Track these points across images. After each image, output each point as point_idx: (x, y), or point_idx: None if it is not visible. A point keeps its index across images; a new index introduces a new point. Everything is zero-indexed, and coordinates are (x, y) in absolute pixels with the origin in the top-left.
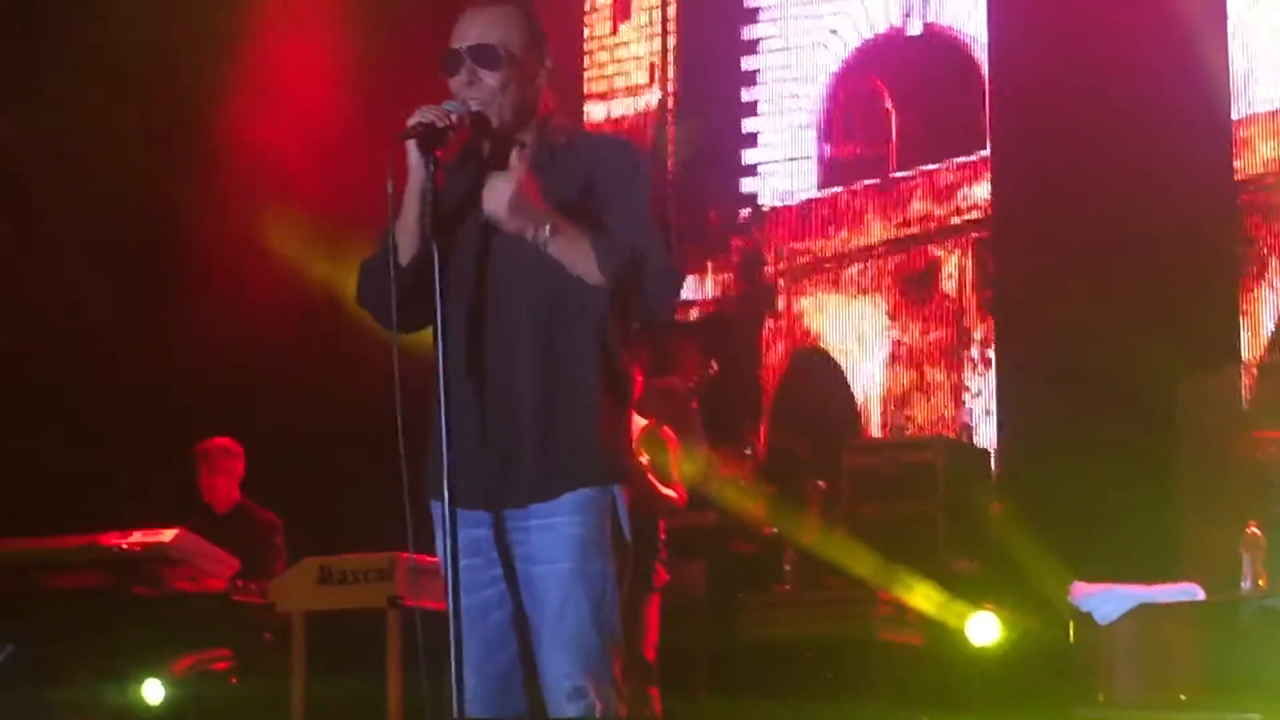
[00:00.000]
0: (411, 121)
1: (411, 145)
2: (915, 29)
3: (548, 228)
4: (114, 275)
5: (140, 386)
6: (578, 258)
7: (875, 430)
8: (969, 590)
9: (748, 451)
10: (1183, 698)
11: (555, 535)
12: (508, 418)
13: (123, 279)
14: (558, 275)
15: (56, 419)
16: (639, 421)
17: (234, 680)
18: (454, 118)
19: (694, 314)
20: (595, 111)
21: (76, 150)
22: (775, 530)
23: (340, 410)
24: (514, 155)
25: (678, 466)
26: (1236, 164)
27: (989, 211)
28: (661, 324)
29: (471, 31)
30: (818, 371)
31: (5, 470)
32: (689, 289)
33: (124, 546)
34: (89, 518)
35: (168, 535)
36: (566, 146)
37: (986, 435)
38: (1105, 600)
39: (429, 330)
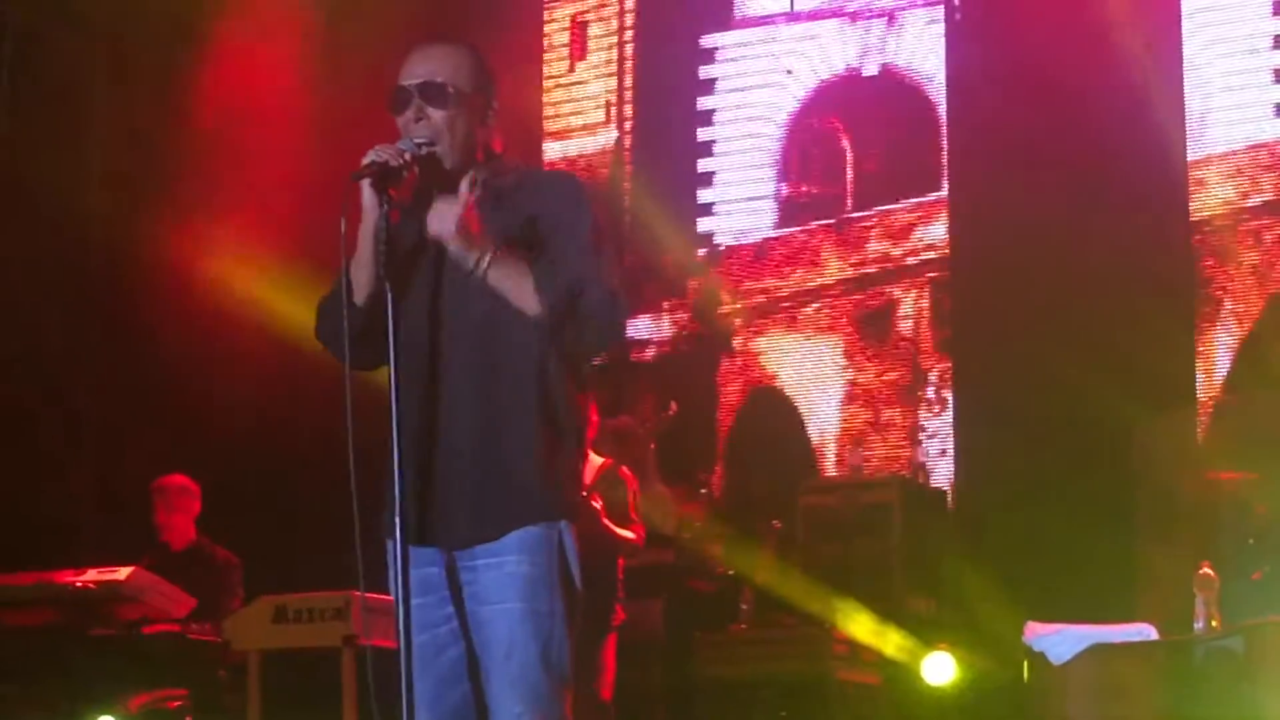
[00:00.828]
0: (365, 161)
1: (365, 185)
2: (872, 69)
3: (488, 257)
4: (71, 313)
5: (97, 424)
6: (516, 287)
7: (831, 470)
8: (925, 630)
9: (703, 491)
10: None
11: (502, 574)
12: (450, 459)
13: (80, 317)
14: (500, 316)
15: (12, 456)
16: (595, 460)
17: (189, 719)
18: (407, 157)
19: (650, 354)
20: (552, 150)
21: (32, 189)
22: (731, 570)
23: (299, 446)
24: (463, 182)
25: (636, 505)
26: (1192, 205)
27: (945, 252)
28: (615, 359)
29: (419, 69)
30: (774, 411)
31: None
32: (645, 329)
33: (78, 584)
34: (45, 555)
35: (123, 573)
36: (514, 186)
37: (942, 475)
38: (1059, 640)
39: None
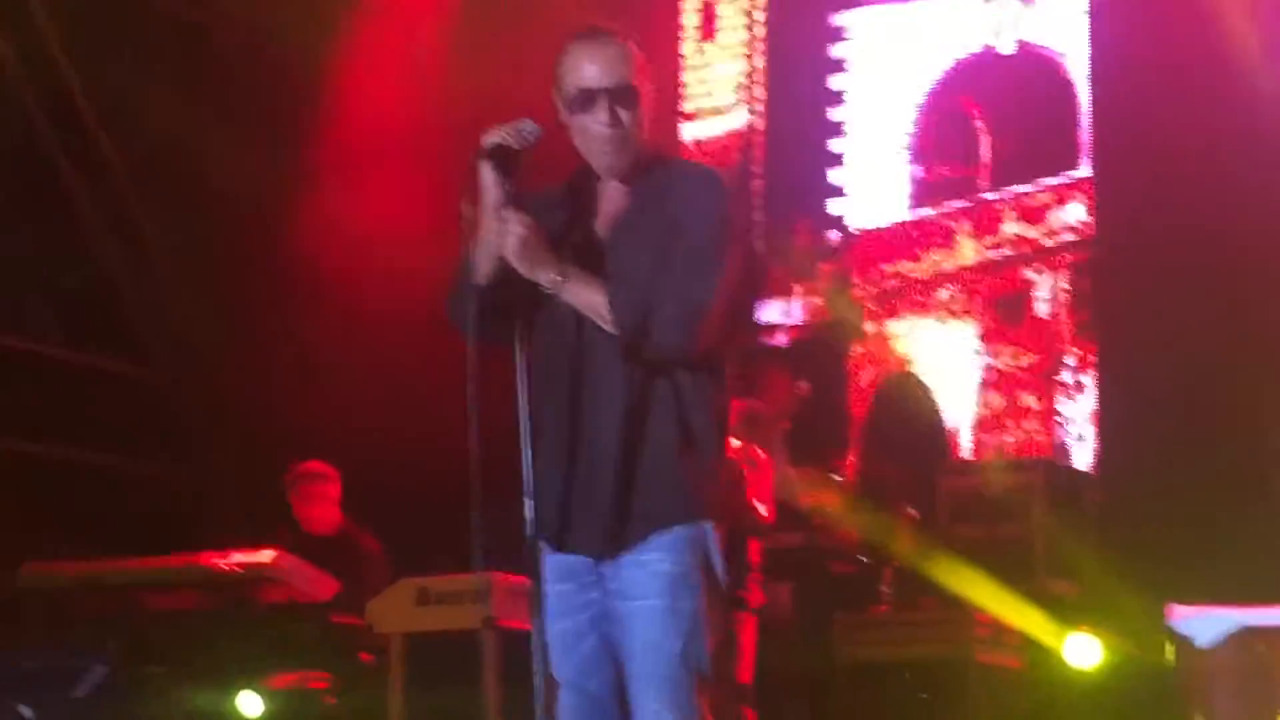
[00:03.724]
0: (486, 142)
1: (485, 166)
2: (1008, 47)
3: (556, 277)
4: (219, 298)
5: (244, 407)
6: (590, 308)
7: (966, 455)
8: (1067, 612)
9: (836, 477)
10: None
11: (645, 572)
12: (592, 461)
13: (228, 302)
14: None
15: (160, 441)
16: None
17: (332, 700)
18: (529, 138)
19: (781, 338)
20: (684, 132)
21: (181, 172)
22: (865, 558)
23: (442, 428)
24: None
25: (769, 488)
26: None
27: (1083, 233)
28: (744, 345)
29: (611, 70)
30: (908, 396)
31: (109, 491)
32: (776, 314)
33: (224, 567)
34: (190, 538)
35: (266, 556)
36: (658, 188)
37: (1080, 461)
38: (1205, 622)
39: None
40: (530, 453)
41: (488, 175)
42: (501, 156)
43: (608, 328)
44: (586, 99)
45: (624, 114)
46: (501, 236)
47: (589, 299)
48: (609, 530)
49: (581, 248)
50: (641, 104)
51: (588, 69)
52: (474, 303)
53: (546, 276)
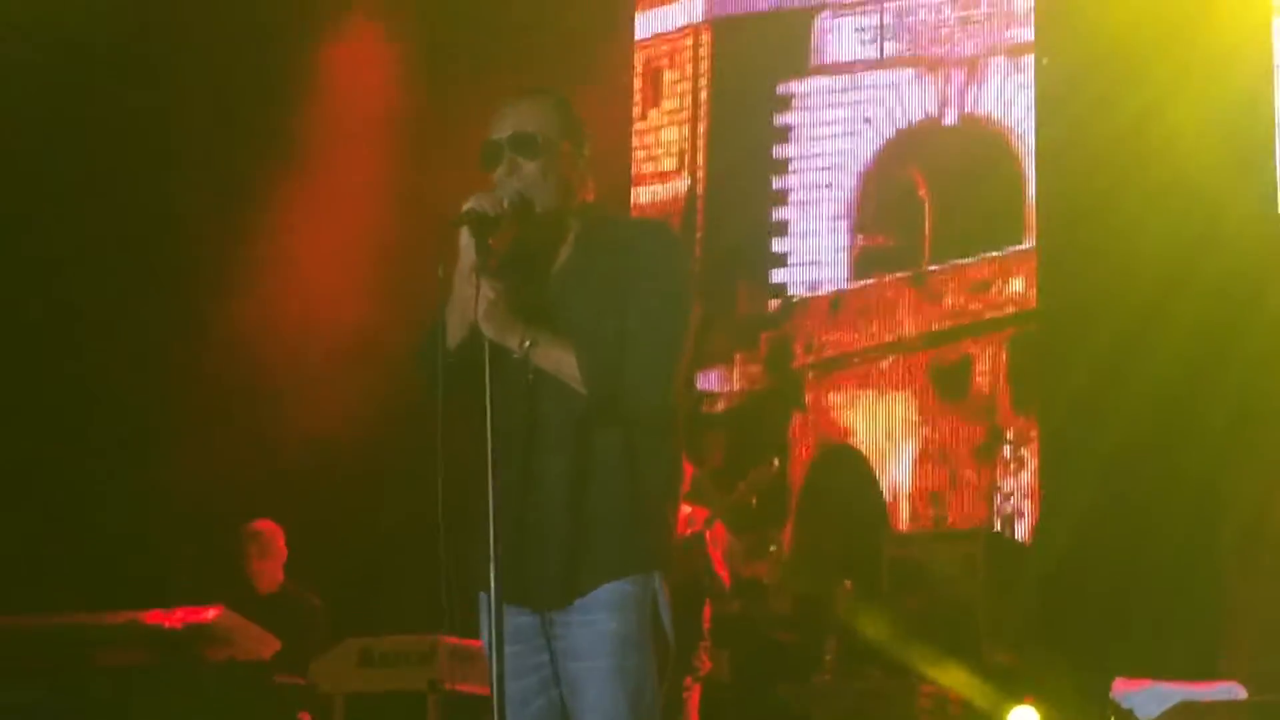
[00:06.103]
0: (465, 208)
1: (463, 230)
2: (952, 119)
3: (526, 342)
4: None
5: (184, 465)
6: (560, 370)
7: (904, 529)
8: (1009, 683)
9: (773, 548)
10: None
11: (593, 632)
12: (541, 514)
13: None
14: None
15: (103, 497)
16: (685, 510)
17: None
18: (506, 204)
19: (720, 406)
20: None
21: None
22: (806, 627)
23: (391, 491)
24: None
25: (723, 556)
26: None
27: (1025, 307)
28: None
29: (508, 121)
30: (846, 467)
31: (52, 546)
32: (715, 381)
33: (166, 625)
34: (134, 593)
35: (210, 614)
36: (607, 244)
37: (1019, 534)
38: (1148, 697)
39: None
40: (493, 516)
41: (464, 240)
42: (478, 222)
43: (578, 388)
44: (491, 152)
45: (524, 162)
46: (473, 302)
47: (559, 361)
48: (560, 581)
49: (536, 305)
50: (551, 153)
51: (493, 124)
52: (446, 365)
53: (515, 341)
